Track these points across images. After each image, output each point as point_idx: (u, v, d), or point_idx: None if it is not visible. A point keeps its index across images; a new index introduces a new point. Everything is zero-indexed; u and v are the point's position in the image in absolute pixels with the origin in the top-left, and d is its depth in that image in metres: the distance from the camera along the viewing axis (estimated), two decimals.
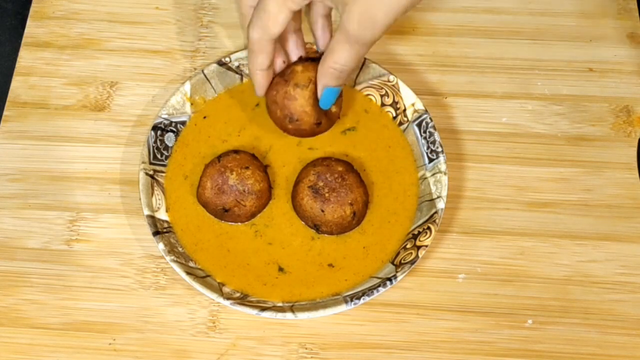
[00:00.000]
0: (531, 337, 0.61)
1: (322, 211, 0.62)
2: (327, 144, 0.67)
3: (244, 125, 0.68)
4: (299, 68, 0.62)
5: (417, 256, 0.60)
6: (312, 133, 0.65)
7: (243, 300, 0.60)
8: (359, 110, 0.68)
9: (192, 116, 0.67)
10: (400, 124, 0.67)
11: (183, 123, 0.67)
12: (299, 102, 0.62)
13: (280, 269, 0.62)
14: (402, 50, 0.73)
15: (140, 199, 0.63)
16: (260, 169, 0.64)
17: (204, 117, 0.68)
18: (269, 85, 0.63)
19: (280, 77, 0.63)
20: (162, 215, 0.63)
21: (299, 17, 0.63)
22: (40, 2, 0.75)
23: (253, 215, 0.64)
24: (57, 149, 0.68)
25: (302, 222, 0.64)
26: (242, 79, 0.69)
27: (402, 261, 0.61)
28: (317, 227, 0.63)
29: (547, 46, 0.73)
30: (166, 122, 0.66)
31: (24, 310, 0.62)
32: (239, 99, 0.69)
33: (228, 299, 0.59)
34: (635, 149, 0.68)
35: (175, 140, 0.67)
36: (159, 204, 0.64)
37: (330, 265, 0.62)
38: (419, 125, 0.66)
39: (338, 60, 0.58)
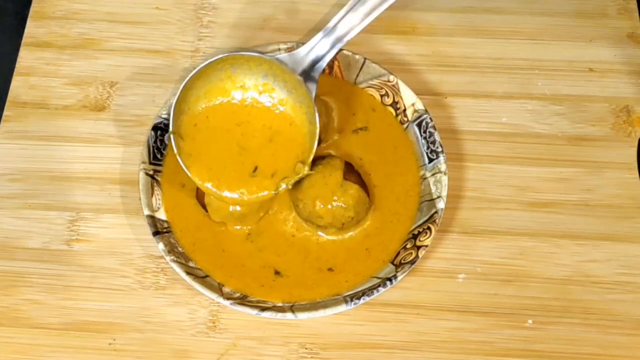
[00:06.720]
0: (531, 337, 0.61)
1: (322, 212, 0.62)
2: (335, 143, 0.66)
3: None
4: None
5: (417, 256, 0.60)
6: None
7: (243, 300, 0.60)
8: (367, 109, 0.68)
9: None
10: (401, 123, 0.67)
11: None
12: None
13: (277, 272, 0.62)
14: (402, 50, 0.72)
15: (140, 199, 0.63)
16: None
17: None
18: None
19: None
20: (162, 215, 0.63)
21: None
22: (40, 2, 0.75)
23: None
24: (57, 149, 0.68)
25: (302, 223, 0.64)
26: None
27: (402, 261, 0.61)
28: (317, 228, 0.63)
29: (547, 46, 0.73)
30: (166, 122, 0.66)
31: (24, 310, 0.62)
32: None
33: (228, 299, 0.59)
34: (635, 149, 0.68)
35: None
36: (159, 204, 0.64)
37: (329, 269, 0.62)
38: (419, 125, 0.66)
39: None
